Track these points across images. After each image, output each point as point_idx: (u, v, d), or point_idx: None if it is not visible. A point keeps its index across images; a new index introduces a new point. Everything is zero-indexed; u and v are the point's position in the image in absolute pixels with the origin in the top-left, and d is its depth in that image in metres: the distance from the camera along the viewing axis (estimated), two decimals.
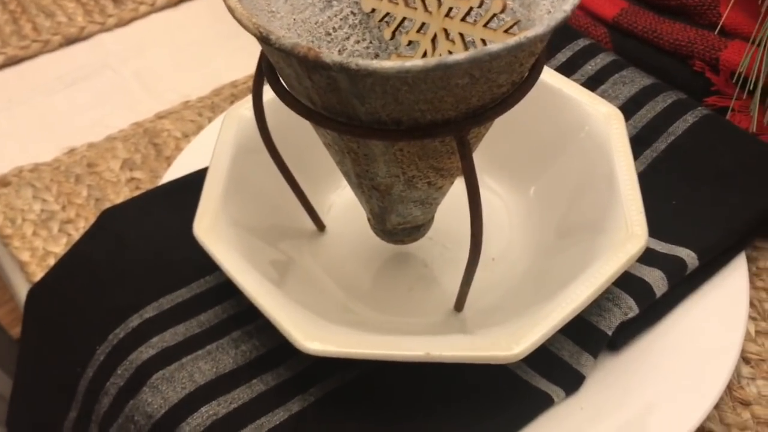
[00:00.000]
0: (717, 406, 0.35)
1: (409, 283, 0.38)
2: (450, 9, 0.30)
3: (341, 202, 0.41)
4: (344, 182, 0.41)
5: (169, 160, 0.47)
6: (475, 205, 0.28)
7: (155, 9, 0.60)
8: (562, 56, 0.46)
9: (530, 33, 0.23)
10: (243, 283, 0.32)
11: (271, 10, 0.31)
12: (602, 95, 0.43)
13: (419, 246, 0.39)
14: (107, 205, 0.44)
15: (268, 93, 0.34)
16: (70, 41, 0.57)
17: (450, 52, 0.30)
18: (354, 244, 0.39)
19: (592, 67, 0.45)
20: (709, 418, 0.35)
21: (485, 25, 0.28)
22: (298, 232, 0.39)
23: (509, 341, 0.30)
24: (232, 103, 0.51)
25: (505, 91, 0.27)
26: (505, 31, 0.28)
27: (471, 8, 0.29)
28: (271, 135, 0.34)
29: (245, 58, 0.54)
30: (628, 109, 0.43)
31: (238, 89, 0.52)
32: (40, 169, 0.47)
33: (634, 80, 0.44)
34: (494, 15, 0.28)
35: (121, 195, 0.45)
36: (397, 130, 0.27)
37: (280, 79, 0.29)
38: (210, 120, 0.49)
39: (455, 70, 0.24)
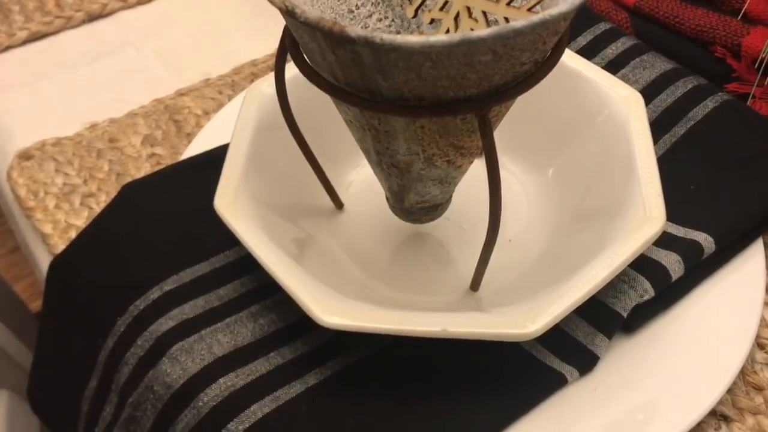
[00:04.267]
0: (730, 391, 0.35)
1: (426, 263, 0.38)
2: None
3: (360, 180, 0.41)
4: (363, 161, 0.41)
5: (189, 137, 0.47)
6: (495, 184, 0.28)
7: None
8: (582, 39, 0.46)
9: (554, 11, 0.24)
10: (263, 257, 0.32)
11: None
12: (622, 79, 0.43)
13: (436, 226, 0.39)
14: (128, 179, 0.45)
15: (289, 71, 0.35)
16: (92, 18, 0.58)
17: (473, 31, 0.30)
18: (372, 223, 0.39)
19: (612, 50, 0.45)
20: (721, 401, 0.35)
21: (508, 4, 0.28)
22: (317, 209, 0.39)
23: (525, 319, 0.30)
24: (252, 81, 0.51)
25: (528, 69, 0.27)
26: (529, 10, 0.28)
27: None
28: (292, 112, 0.34)
29: (265, 37, 0.55)
30: (647, 94, 0.42)
31: (258, 68, 0.52)
32: (63, 144, 0.47)
33: (654, 65, 0.44)
34: None
35: (142, 170, 0.46)
36: (419, 107, 0.27)
37: (304, 55, 0.30)
38: (230, 98, 0.50)
39: (479, 46, 0.24)
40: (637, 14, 0.50)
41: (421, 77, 0.25)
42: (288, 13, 0.25)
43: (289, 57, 0.31)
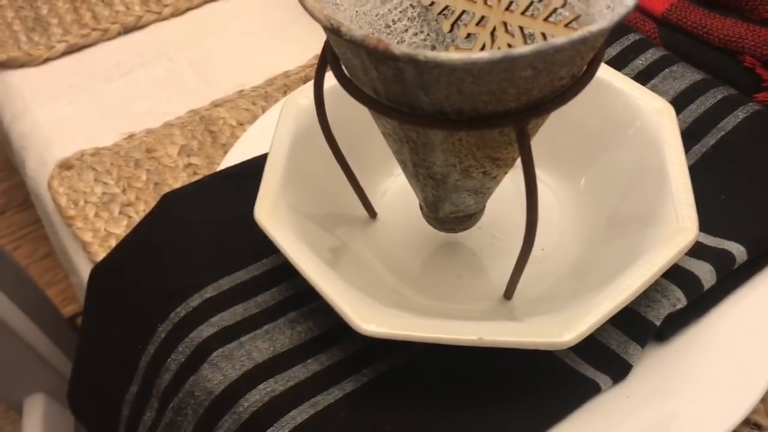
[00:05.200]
0: (764, 400, 0.35)
1: (459, 271, 0.39)
2: (510, 2, 0.31)
3: (395, 188, 0.42)
4: (397, 170, 0.42)
5: (225, 147, 0.48)
6: (532, 195, 0.29)
7: None
8: (612, 50, 0.47)
9: (594, 27, 0.24)
10: (302, 266, 0.33)
11: (335, 2, 0.32)
12: (652, 90, 0.43)
13: (469, 235, 0.40)
14: (166, 189, 0.46)
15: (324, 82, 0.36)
16: (127, 30, 0.59)
17: (509, 45, 0.31)
18: (405, 232, 0.40)
19: (642, 62, 0.46)
20: (755, 410, 0.35)
21: (546, 19, 0.29)
22: (352, 218, 0.40)
23: (561, 328, 0.30)
24: (284, 93, 0.52)
25: (565, 83, 0.28)
26: (566, 26, 0.29)
27: (531, 2, 0.30)
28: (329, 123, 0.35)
29: (297, 48, 0.56)
30: (677, 104, 0.43)
31: (290, 79, 0.53)
32: (101, 153, 0.49)
33: (684, 75, 0.44)
34: (554, 9, 0.29)
35: (179, 180, 0.47)
36: (459, 120, 0.27)
37: (343, 69, 0.30)
38: (264, 109, 0.50)
39: (520, 62, 0.24)
40: (664, 24, 0.50)
41: (462, 92, 0.26)
42: (333, 31, 0.26)
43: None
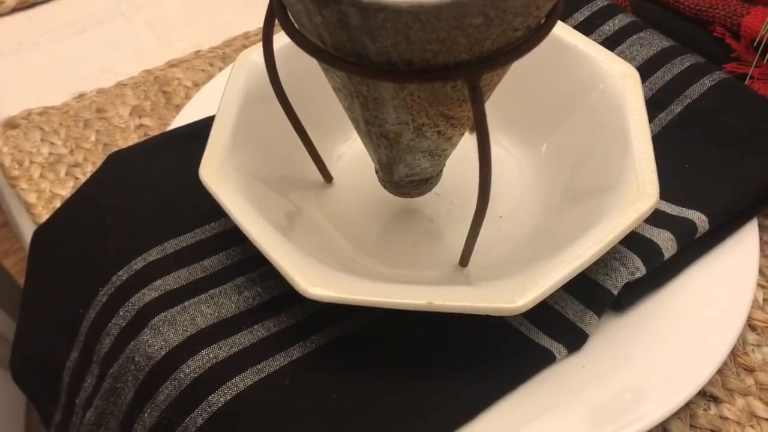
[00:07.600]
0: (720, 371, 0.35)
1: (415, 238, 0.38)
2: None
3: (350, 153, 0.40)
4: (354, 134, 0.40)
5: (178, 109, 0.47)
6: (485, 153, 0.28)
7: None
8: (579, 15, 0.45)
9: None
10: (247, 226, 0.32)
11: None
12: (619, 56, 0.42)
13: (426, 201, 0.38)
14: (115, 150, 0.44)
15: (279, 41, 0.34)
16: None
17: None
18: (361, 197, 0.39)
19: (609, 27, 0.44)
20: (711, 382, 0.34)
21: None
22: (306, 182, 0.39)
23: (513, 294, 0.29)
24: None
25: (521, 36, 0.26)
26: None
27: None
28: (280, 81, 0.33)
29: (257, 9, 0.54)
30: (644, 71, 0.42)
31: (249, 41, 0.51)
32: (49, 113, 0.47)
33: (652, 42, 0.43)
34: None
35: (129, 141, 0.45)
36: (408, 72, 0.26)
37: (291, 18, 0.29)
38: (221, 70, 0.49)
39: (470, 8, 0.23)
40: None
41: (409, 40, 0.25)
42: None
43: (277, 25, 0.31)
